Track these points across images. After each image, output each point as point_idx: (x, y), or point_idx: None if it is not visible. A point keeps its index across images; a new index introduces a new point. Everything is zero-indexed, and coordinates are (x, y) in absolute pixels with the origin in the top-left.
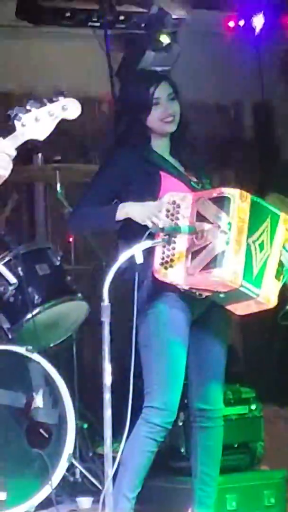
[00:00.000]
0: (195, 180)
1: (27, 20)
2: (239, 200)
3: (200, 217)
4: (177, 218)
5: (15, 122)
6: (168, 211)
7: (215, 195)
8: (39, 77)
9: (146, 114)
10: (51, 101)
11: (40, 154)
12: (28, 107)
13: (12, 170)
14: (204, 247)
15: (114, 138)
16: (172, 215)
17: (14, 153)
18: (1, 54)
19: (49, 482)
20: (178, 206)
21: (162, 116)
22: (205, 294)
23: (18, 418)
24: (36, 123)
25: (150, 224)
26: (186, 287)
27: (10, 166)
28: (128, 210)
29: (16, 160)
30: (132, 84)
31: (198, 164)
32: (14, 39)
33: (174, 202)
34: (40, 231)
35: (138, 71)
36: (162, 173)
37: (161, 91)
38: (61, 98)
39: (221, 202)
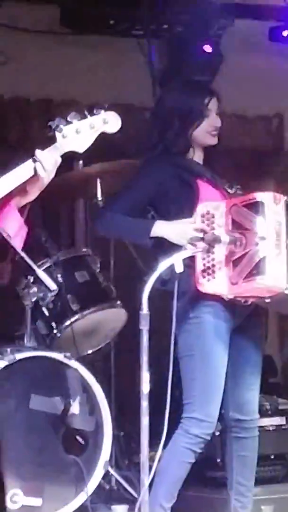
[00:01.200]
0: (229, 187)
1: (70, 28)
2: (273, 203)
3: (236, 224)
4: (213, 228)
5: (56, 133)
6: (203, 222)
7: (248, 201)
8: (79, 85)
9: (196, 125)
10: (92, 113)
11: (81, 161)
12: (69, 119)
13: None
14: (244, 255)
15: (151, 144)
16: (208, 225)
17: (59, 159)
18: (42, 60)
19: (85, 489)
20: (213, 216)
21: (210, 129)
22: (250, 300)
23: (55, 425)
24: (77, 135)
25: (188, 246)
26: (231, 296)
27: (53, 173)
28: (163, 231)
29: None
30: (185, 94)
31: (229, 172)
32: (56, 46)
33: (208, 212)
34: (79, 238)
35: (189, 82)
36: (199, 181)
37: (213, 104)
38: (102, 111)
39: (255, 207)
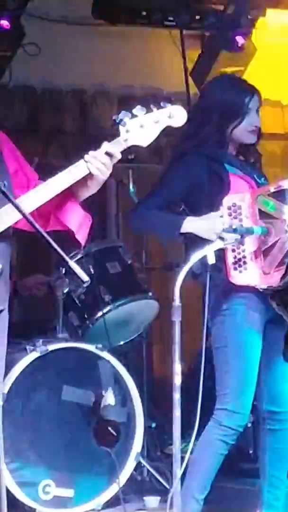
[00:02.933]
0: (258, 178)
1: (103, 19)
2: None
3: (263, 214)
4: (241, 220)
5: (120, 127)
6: (230, 214)
7: (273, 189)
8: (112, 75)
9: (237, 123)
10: (158, 107)
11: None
12: (134, 113)
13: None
14: (274, 244)
15: (186, 139)
16: (235, 217)
17: (119, 155)
18: (75, 52)
19: (117, 481)
20: (240, 207)
21: (250, 128)
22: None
23: (87, 416)
24: (141, 129)
25: (217, 241)
26: (264, 286)
27: (111, 168)
28: (193, 227)
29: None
30: (227, 91)
31: (257, 164)
32: (88, 37)
33: (234, 204)
34: (111, 229)
35: (233, 78)
36: (231, 174)
37: (254, 103)
38: (168, 105)
39: (282, 195)
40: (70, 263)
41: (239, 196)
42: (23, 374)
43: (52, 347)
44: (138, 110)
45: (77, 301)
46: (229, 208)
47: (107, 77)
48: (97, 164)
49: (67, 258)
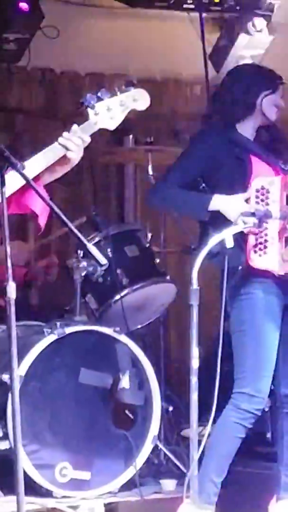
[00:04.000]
0: (283, 164)
1: (122, 2)
2: None
3: None
4: (267, 204)
5: (89, 110)
6: (257, 197)
7: None
8: (131, 58)
9: (268, 92)
10: (122, 91)
11: (131, 136)
12: (100, 95)
13: (104, 152)
14: None
15: (206, 114)
16: (262, 200)
17: (88, 139)
18: (94, 34)
19: (134, 464)
20: (268, 191)
21: (276, 103)
22: None
23: (104, 399)
24: (108, 112)
25: (242, 225)
26: (282, 273)
27: (81, 151)
28: (221, 205)
29: (108, 142)
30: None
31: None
32: (107, 20)
33: (262, 187)
34: (129, 213)
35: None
36: (252, 156)
37: (280, 88)
38: (131, 89)
39: None
40: (88, 246)
41: (268, 180)
42: (40, 356)
43: (69, 330)
44: (103, 93)
45: (95, 284)
46: (257, 191)
47: (126, 60)
48: (70, 145)
49: (85, 241)
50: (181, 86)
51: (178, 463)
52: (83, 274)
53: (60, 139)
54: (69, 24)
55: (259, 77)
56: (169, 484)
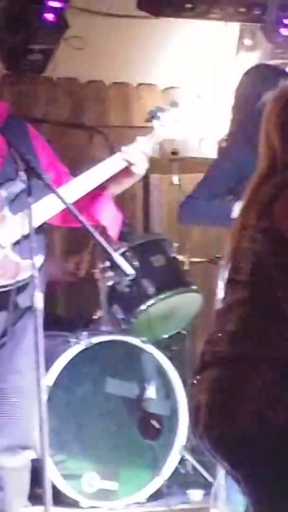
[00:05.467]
0: None
1: (147, 12)
2: None
3: None
4: None
5: (154, 121)
6: None
7: None
8: (155, 68)
9: None
10: (190, 102)
11: (157, 146)
12: (168, 107)
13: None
14: None
15: (234, 130)
16: None
17: (150, 152)
18: (119, 44)
19: (160, 474)
20: None
21: None
22: None
23: (131, 409)
24: (175, 123)
25: None
26: None
27: (146, 162)
28: None
29: None
30: (262, 83)
31: None
32: (132, 30)
33: None
34: (155, 223)
35: (266, 68)
36: None
37: None
38: (198, 101)
39: None
40: (114, 256)
41: None
42: (67, 366)
43: (96, 339)
44: (171, 104)
45: (121, 294)
46: None
47: (151, 70)
48: (134, 157)
49: (111, 251)
50: None
51: (205, 473)
52: (109, 284)
53: (124, 149)
54: (94, 35)
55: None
56: (196, 495)
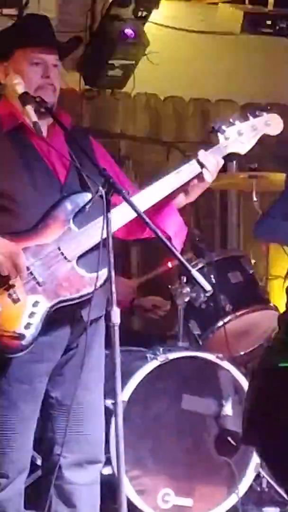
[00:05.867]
0: None
1: (227, 28)
2: None
3: None
4: None
5: (219, 134)
6: None
7: None
8: (235, 84)
9: None
10: (254, 115)
11: (235, 162)
12: (232, 120)
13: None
14: None
15: None
16: None
17: (222, 161)
18: (198, 60)
19: (236, 491)
20: None
21: None
22: None
23: (207, 426)
24: (239, 137)
25: None
26: None
27: (216, 173)
28: None
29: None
30: None
31: None
32: (211, 46)
33: None
34: (233, 239)
35: None
36: None
37: None
38: (264, 114)
39: None
40: (193, 272)
41: None
42: (143, 382)
43: (172, 355)
44: (235, 118)
45: (198, 310)
46: None
47: (231, 86)
48: (209, 164)
49: (190, 267)
50: (286, 111)
51: (280, 491)
52: (186, 300)
53: (200, 156)
54: (174, 50)
55: None
56: None
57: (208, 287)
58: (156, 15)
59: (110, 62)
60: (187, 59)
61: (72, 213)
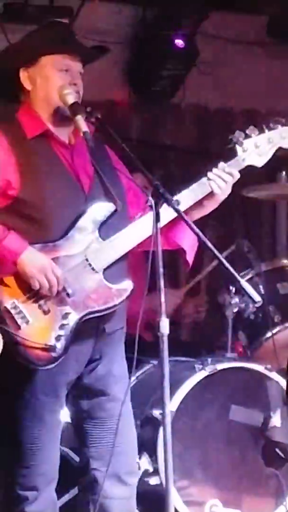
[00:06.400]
0: None
1: (277, 39)
2: None
3: None
4: None
5: (237, 146)
6: None
7: None
8: (281, 96)
9: None
10: (269, 128)
11: (284, 173)
12: (248, 133)
13: (256, 188)
14: None
15: None
16: None
17: (238, 175)
18: (249, 71)
19: (284, 503)
20: None
21: None
22: None
23: (255, 437)
24: (256, 149)
25: None
26: None
27: (230, 188)
28: None
29: (260, 178)
30: None
31: None
32: (262, 56)
33: None
34: (282, 249)
35: None
36: None
37: None
38: (279, 126)
39: None
40: (242, 283)
41: None
42: (191, 392)
43: (220, 366)
44: (251, 130)
45: (246, 321)
46: None
47: (281, 97)
48: (219, 182)
49: (239, 277)
50: None
51: None
52: (235, 310)
53: (210, 175)
54: (224, 60)
55: None
56: None
57: (257, 297)
58: (206, 25)
59: (159, 73)
60: (238, 69)
61: (97, 223)
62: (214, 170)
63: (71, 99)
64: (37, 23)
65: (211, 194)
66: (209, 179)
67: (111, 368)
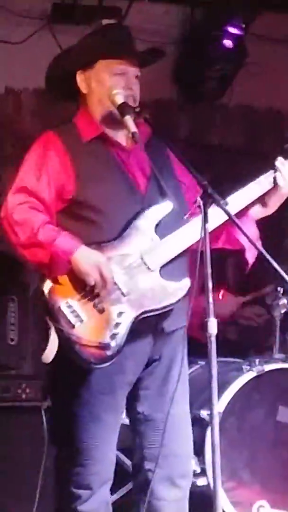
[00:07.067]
0: None
1: None
2: None
3: None
4: None
5: None
6: None
7: None
8: None
9: None
10: None
11: None
12: None
13: None
14: None
15: None
16: None
17: None
18: (273, 71)
19: None
20: None
21: None
22: None
23: None
24: None
25: None
26: None
27: None
28: None
29: None
30: None
31: None
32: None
33: None
34: None
35: None
36: None
37: None
38: None
39: None
40: None
41: None
42: (239, 393)
43: (268, 367)
44: None
45: None
46: None
47: None
48: (284, 169)
49: (287, 278)
50: None
51: None
52: (282, 311)
53: (277, 163)
54: (273, 61)
55: None
56: None
57: None
58: (255, 26)
59: (208, 73)
60: (286, 70)
61: (154, 223)
62: (280, 159)
63: (120, 99)
64: (86, 24)
65: (273, 190)
66: (275, 170)
67: (170, 368)
